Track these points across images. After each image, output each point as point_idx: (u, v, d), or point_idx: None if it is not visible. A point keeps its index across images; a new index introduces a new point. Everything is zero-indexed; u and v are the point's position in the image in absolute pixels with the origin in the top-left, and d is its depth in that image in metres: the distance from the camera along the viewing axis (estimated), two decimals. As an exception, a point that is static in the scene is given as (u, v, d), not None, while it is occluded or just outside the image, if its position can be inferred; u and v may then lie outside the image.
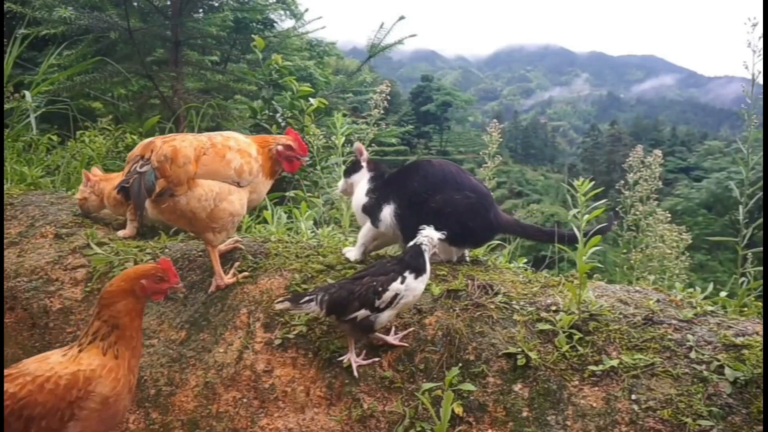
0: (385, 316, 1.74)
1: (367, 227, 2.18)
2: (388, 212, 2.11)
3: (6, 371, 1.49)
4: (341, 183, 2.34)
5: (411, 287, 1.73)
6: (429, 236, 1.77)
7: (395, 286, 1.71)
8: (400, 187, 2.13)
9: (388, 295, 1.71)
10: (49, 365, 1.50)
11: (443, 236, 1.81)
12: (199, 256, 2.31)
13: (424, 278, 1.75)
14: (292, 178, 3.61)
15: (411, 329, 1.83)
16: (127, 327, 1.55)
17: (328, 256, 2.23)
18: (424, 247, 1.76)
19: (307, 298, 1.77)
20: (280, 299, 1.85)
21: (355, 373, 1.76)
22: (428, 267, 1.76)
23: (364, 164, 2.25)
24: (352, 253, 2.20)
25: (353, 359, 1.79)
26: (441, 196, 2.03)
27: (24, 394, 1.44)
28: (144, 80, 4.75)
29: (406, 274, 1.73)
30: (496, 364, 1.70)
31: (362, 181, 2.23)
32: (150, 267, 1.61)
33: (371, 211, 2.16)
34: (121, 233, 2.60)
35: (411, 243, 1.79)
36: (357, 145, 2.30)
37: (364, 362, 1.79)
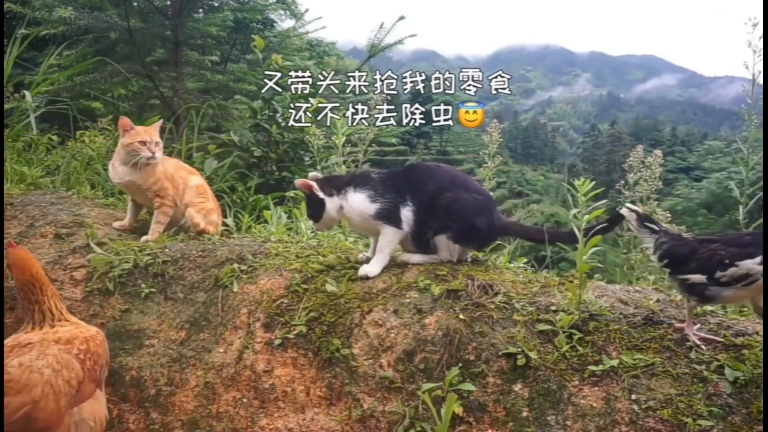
0: (729, 294, 1.51)
1: (390, 234, 2.03)
2: (408, 211, 2.03)
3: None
4: (322, 222, 2.08)
5: None
6: None
7: (748, 264, 1.45)
8: (415, 188, 2.06)
9: (734, 272, 1.47)
10: (66, 330, 1.60)
11: None
12: (199, 256, 2.31)
13: None
14: (292, 177, 3.61)
15: (720, 339, 1.61)
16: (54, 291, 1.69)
17: (328, 256, 2.23)
18: None
19: (650, 227, 1.68)
20: (630, 205, 1.74)
21: (698, 346, 1.58)
22: None
23: (320, 193, 2.04)
24: (372, 269, 2.04)
25: (689, 330, 1.61)
26: (450, 194, 2.02)
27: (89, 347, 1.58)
28: (144, 80, 4.74)
29: None
30: (496, 364, 1.70)
31: (346, 198, 2.03)
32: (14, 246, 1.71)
33: (388, 214, 2.02)
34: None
35: None
36: (299, 182, 2.07)
37: (709, 336, 1.60)
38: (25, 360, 1.42)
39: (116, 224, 2.64)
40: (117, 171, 2.50)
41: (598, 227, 1.79)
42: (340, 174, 2.14)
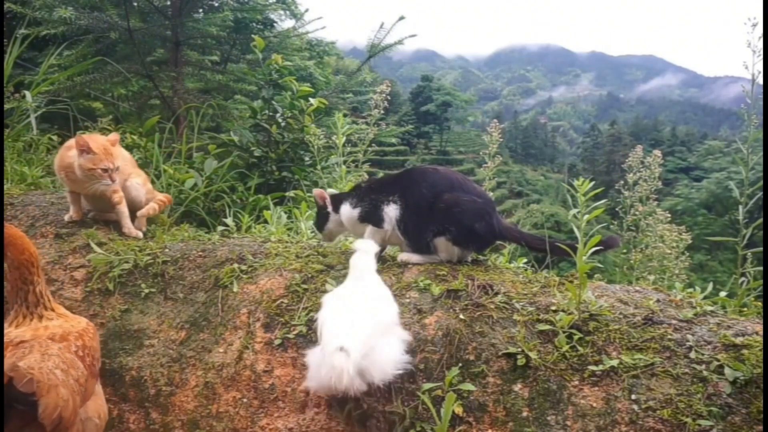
0: None
1: (369, 233, 2.15)
2: (391, 209, 2.10)
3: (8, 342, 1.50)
4: (330, 229, 2.31)
5: None
6: None
7: None
8: (405, 190, 2.11)
9: None
10: (57, 324, 1.59)
11: None
12: (199, 256, 2.31)
13: None
14: (292, 177, 3.61)
15: None
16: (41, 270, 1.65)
17: (328, 256, 2.23)
18: None
19: None
20: None
21: None
22: None
23: (329, 207, 2.28)
24: None
25: None
26: (450, 196, 2.04)
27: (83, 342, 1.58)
28: (144, 80, 4.75)
29: None
30: (496, 364, 1.70)
31: (341, 213, 2.23)
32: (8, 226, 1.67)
33: (369, 216, 2.15)
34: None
35: None
36: (317, 192, 2.33)
37: None
38: (32, 362, 1.38)
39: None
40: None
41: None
42: (345, 192, 2.34)
